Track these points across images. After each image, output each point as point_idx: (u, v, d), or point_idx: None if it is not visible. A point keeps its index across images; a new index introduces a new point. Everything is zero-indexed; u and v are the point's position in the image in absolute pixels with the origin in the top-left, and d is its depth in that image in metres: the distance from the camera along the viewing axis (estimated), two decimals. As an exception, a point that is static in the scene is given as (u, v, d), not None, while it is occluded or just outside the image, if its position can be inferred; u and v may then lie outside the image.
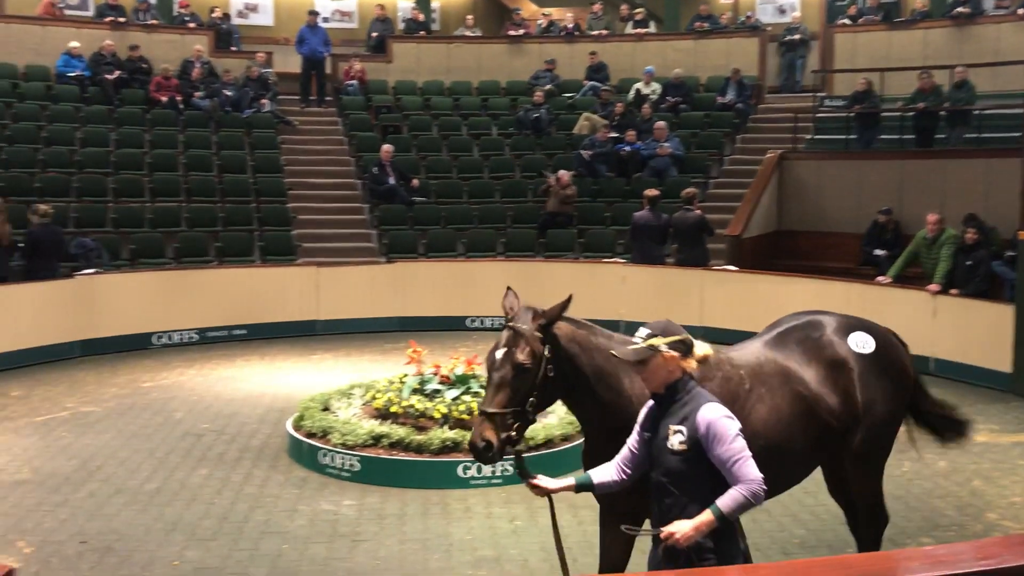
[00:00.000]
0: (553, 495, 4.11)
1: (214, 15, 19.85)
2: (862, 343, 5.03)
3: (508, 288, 4.53)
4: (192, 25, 19.27)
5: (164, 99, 17.25)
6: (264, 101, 17.87)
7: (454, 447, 7.31)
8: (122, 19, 18.47)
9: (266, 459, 7.93)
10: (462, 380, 8.05)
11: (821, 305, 6.06)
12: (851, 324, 5.17)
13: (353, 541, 6.26)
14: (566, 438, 7.64)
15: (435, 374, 8.14)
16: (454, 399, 7.79)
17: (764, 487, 3.64)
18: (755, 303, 12.02)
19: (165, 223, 14.74)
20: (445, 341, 12.23)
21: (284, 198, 16.12)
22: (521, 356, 4.17)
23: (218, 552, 6.07)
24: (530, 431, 7.40)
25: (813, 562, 3.54)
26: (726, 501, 3.61)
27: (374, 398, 8.02)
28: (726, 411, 3.72)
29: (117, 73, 17.37)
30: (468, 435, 7.22)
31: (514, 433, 4.20)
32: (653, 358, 3.76)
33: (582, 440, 7.63)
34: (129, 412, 9.32)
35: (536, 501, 6.89)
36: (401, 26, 21.36)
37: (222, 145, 16.94)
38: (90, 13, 19.87)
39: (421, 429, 7.55)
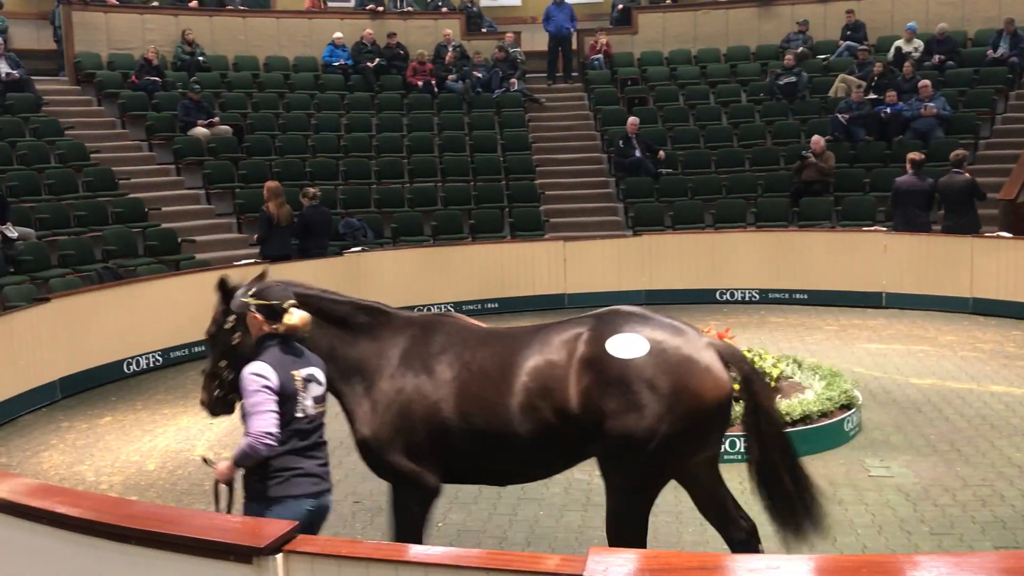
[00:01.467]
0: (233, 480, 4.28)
1: (464, -1, 20.50)
2: (625, 347, 4.34)
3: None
4: (445, 10, 19.98)
5: (420, 83, 18.06)
6: (513, 80, 18.30)
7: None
8: (380, 8, 19.44)
9: (521, 428, 8.17)
10: (713, 353, 7.94)
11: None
12: (634, 326, 4.46)
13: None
14: (824, 414, 7.39)
15: (686, 347, 8.07)
16: (706, 372, 7.70)
17: (266, 442, 4.01)
18: (1034, 272, 11.11)
19: (423, 202, 15.45)
20: (694, 314, 12.09)
21: (532, 175, 16.48)
22: (208, 327, 4.61)
23: (479, 516, 6.34)
24: (787, 407, 7.26)
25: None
26: (235, 449, 4.10)
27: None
28: (259, 368, 4.10)
29: (377, 60, 18.35)
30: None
31: (217, 392, 4.57)
32: (248, 314, 4.28)
33: (840, 417, 7.39)
34: (394, 381, 9.85)
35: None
36: (646, -3, 21.17)
37: (474, 125, 17.51)
38: (351, 4, 21.02)
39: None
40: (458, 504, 6.53)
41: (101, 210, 13.48)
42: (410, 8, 19.83)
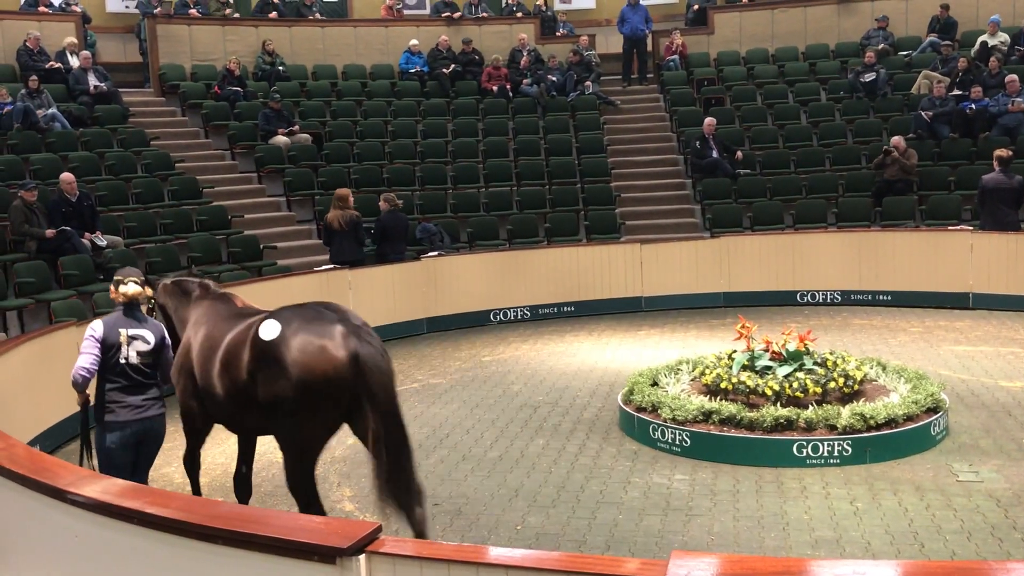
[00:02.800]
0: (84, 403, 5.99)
1: (539, 3, 20.52)
2: (270, 331, 5.35)
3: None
4: (519, 15, 20.04)
5: (495, 88, 18.14)
6: (588, 83, 18.27)
7: (788, 425, 7.13)
8: (456, 14, 19.57)
9: (598, 431, 8.16)
10: (795, 356, 7.83)
11: None
12: (284, 313, 5.52)
13: (687, 515, 6.30)
14: (910, 418, 7.22)
15: (766, 350, 7.98)
16: (786, 376, 7.60)
17: (81, 373, 5.67)
18: None
19: (498, 207, 15.51)
20: (774, 316, 11.93)
21: (607, 177, 16.42)
22: None
23: (558, 519, 6.34)
24: (871, 410, 7.11)
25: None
26: None
27: (703, 374, 7.99)
28: (93, 323, 5.82)
29: (452, 66, 18.48)
30: (802, 413, 7.09)
31: None
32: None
33: (926, 420, 7.21)
34: (471, 384, 9.93)
35: (877, 483, 6.60)
36: (722, -4, 20.95)
37: (548, 129, 17.53)
38: (427, 11, 21.21)
39: (752, 406, 7.43)
40: (536, 507, 6.55)
41: (186, 218, 13.83)
42: (485, 14, 19.94)
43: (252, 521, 3.57)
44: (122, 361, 5.74)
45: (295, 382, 5.22)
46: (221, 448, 8.21)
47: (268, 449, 8.08)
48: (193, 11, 18.23)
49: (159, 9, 18.32)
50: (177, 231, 13.54)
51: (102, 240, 12.13)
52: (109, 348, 5.72)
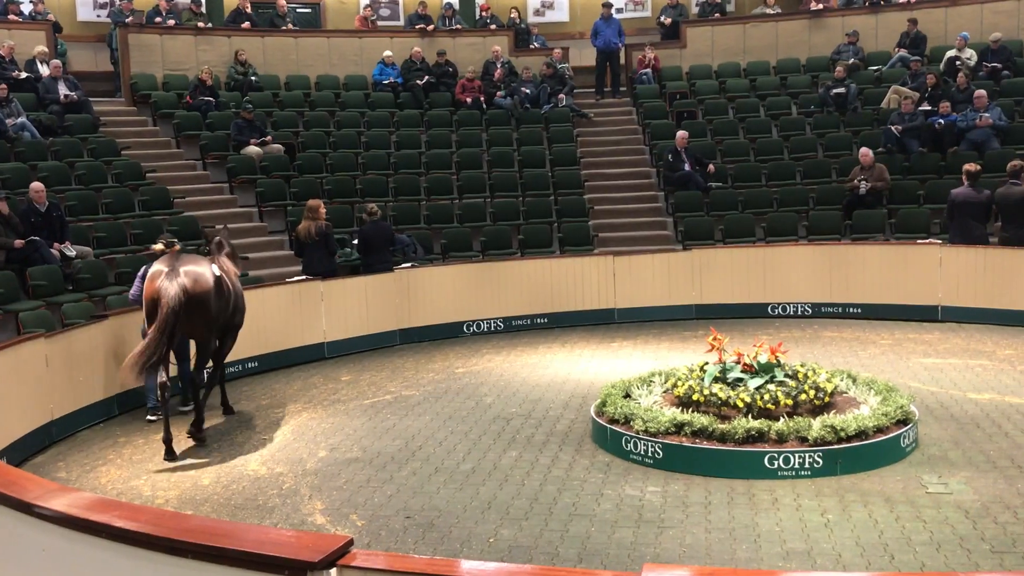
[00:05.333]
0: None
1: (512, 16, 20.58)
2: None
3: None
4: (493, 27, 20.09)
5: (469, 100, 18.17)
6: (561, 96, 18.34)
7: (759, 437, 7.17)
8: (430, 26, 19.59)
9: (571, 443, 8.16)
10: (766, 369, 7.88)
11: None
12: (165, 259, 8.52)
13: (659, 527, 6.31)
14: (880, 430, 7.27)
15: (737, 362, 8.02)
16: (757, 388, 7.64)
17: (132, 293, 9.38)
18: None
19: (472, 218, 15.51)
20: (745, 329, 12.00)
21: (581, 189, 16.47)
22: None
23: (530, 532, 6.33)
24: (842, 423, 7.17)
25: None
26: None
27: (675, 386, 8.01)
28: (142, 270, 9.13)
29: (426, 78, 18.49)
30: (774, 425, 7.12)
31: None
32: None
33: (896, 432, 7.27)
34: (444, 396, 9.91)
35: (848, 495, 6.64)
36: (695, 10, 21.13)
37: (522, 141, 17.57)
38: (401, 23, 21.23)
39: (723, 418, 7.47)
40: (509, 519, 6.53)
41: (157, 228, 13.69)
42: (459, 26, 19.98)
43: (222, 535, 3.54)
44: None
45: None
46: (189, 460, 8.14)
47: (238, 463, 8.02)
48: (169, 21, 18.13)
49: (131, 19, 18.21)
50: (147, 241, 13.32)
51: (71, 250, 12.01)
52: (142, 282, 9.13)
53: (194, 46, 18.12)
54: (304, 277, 12.27)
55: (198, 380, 8.90)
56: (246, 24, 18.74)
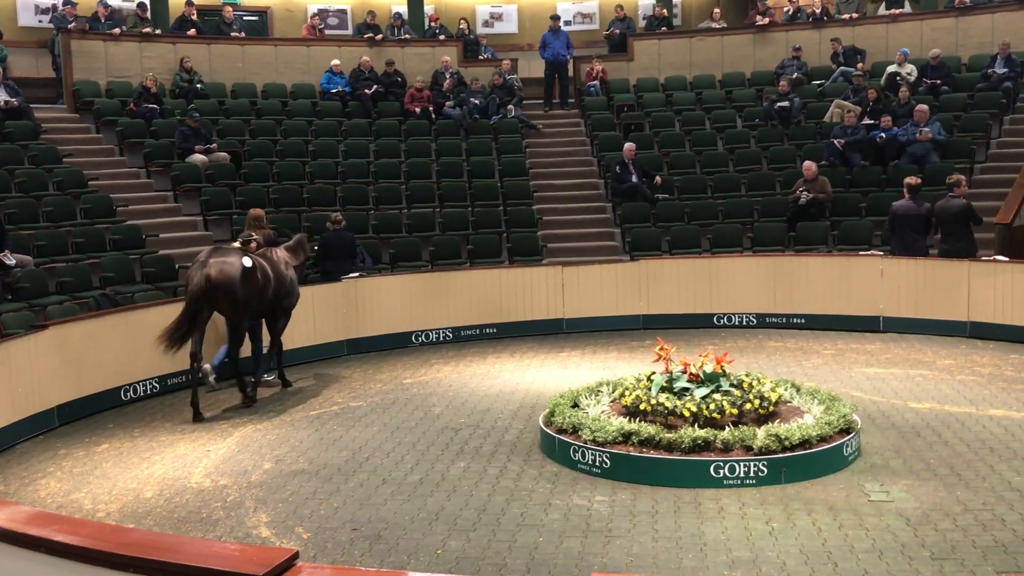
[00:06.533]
0: None
1: (461, 26, 20.61)
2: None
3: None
4: (442, 37, 20.09)
5: (417, 110, 18.15)
6: (510, 107, 18.40)
7: (705, 446, 7.23)
8: (378, 36, 19.54)
9: (520, 453, 8.16)
10: (711, 378, 7.95)
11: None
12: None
13: (607, 537, 6.33)
14: (823, 439, 7.38)
15: (683, 372, 8.09)
16: (703, 397, 7.71)
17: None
18: (1031, 296, 11.12)
19: (421, 228, 15.49)
20: (692, 339, 12.11)
21: (530, 200, 16.53)
22: None
23: (478, 543, 6.31)
24: (786, 431, 7.26)
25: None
26: None
27: (622, 395, 8.06)
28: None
29: (374, 87, 18.44)
30: (719, 434, 7.20)
31: None
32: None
33: (839, 441, 7.38)
34: (392, 407, 9.86)
35: (792, 503, 6.73)
36: (642, 24, 21.35)
37: (471, 151, 17.58)
38: (349, 32, 21.15)
39: (670, 427, 7.52)
40: (457, 531, 6.51)
41: (99, 237, 13.50)
42: (407, 36, 19.95)
43: (165, 548, 3.48)
44: None
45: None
46: (133, 473, 8.01)
47: (180, 475, 7.90)
48: (115, 30, 17.86)
49: (74, 24, 17.91)
50: (89, 250, 13.19)
51: (11, 259, 11.74)
52: None
53: (139, 52, 17.88)
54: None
55: (234, 355, 10.05)
56: (192, 31, 18.54)
